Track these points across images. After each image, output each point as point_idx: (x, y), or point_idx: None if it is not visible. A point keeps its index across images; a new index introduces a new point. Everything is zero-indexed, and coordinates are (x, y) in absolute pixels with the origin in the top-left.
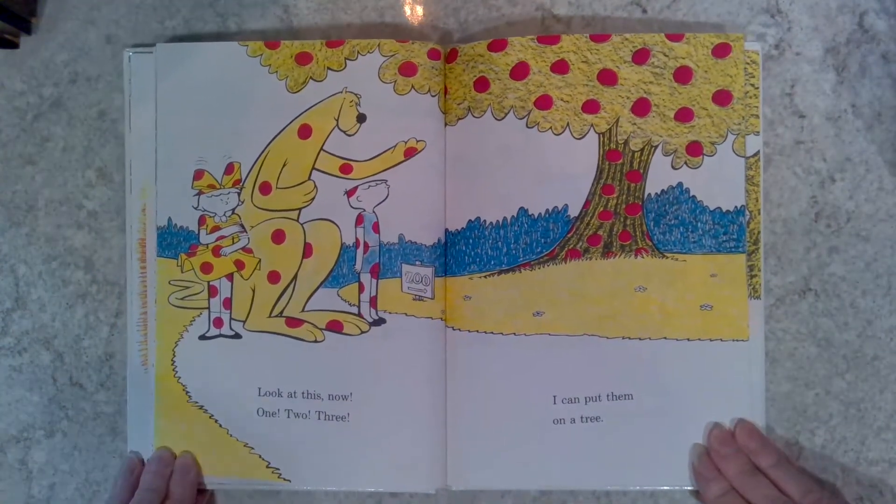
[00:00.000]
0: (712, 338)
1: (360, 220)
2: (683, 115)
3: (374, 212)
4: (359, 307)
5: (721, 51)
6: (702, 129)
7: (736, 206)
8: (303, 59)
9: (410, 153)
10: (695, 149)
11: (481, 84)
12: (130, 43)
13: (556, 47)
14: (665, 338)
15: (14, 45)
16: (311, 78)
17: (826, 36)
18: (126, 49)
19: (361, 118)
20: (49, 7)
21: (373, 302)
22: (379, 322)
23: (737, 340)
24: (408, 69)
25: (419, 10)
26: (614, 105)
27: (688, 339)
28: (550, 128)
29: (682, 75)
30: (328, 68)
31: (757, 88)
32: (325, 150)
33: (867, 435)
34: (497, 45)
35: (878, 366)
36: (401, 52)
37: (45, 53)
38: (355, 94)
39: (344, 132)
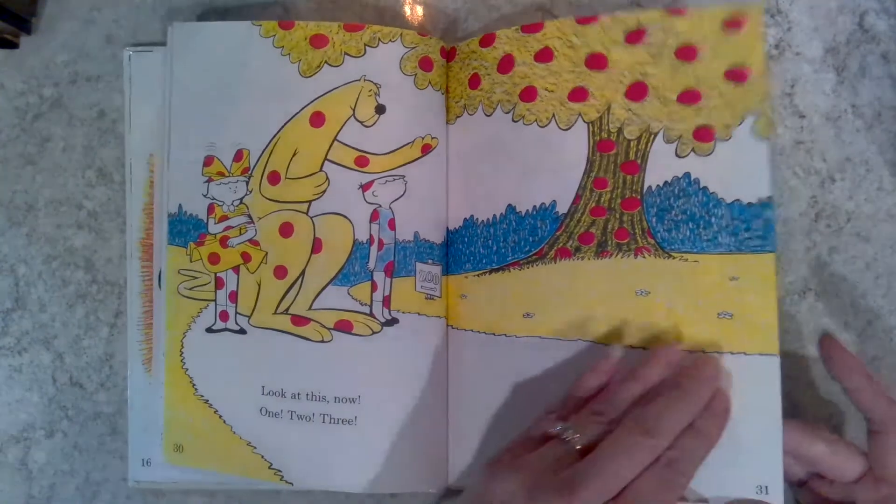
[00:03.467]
0: (734, 351)
1: (375, 216)
2: (688, 97)
3: (390, 208)
4: (371, 306)
5: (734, 24)
6: (712, 111)
7: (760, 198)
8: (318, 41)
9: (427, 149)
10: (704, 133)
11: (474, 81)
12: (131, 43)
13: (539, 35)
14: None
15: (14, 45)
16: (326, 62)
17: (826, 36)
18: (126, 48)
19: (381, 109)
20: (49, 7)
21: (386, 301)
22: (392, 322)
23: (764, 355)
24: (426, 64)
25: (419, 10)
26: (604, 91)
27: (702, 351)
28: (535, 120)
29: (686, 53)
30: (345, 53)
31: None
32: (339, 141)
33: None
34: (487, 40)
35: (878, 366)
36: (421, 45)
37: (45, 53)
38: (374, 84)
39: (361, 123)
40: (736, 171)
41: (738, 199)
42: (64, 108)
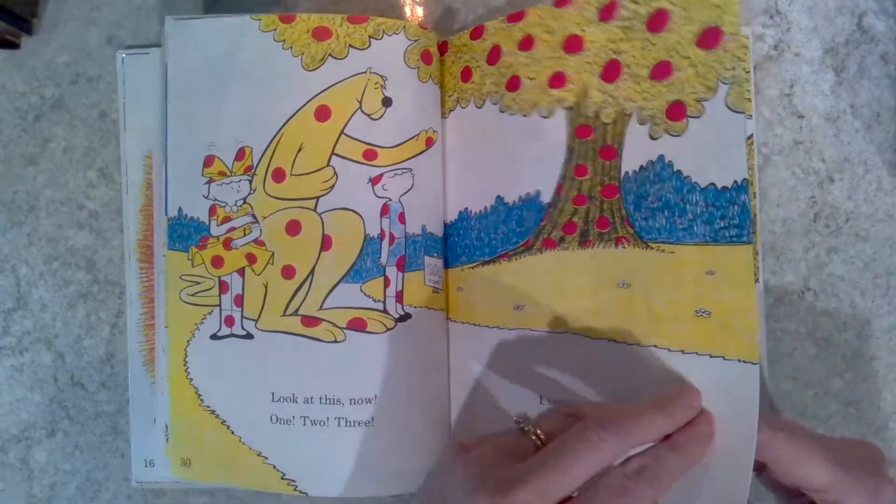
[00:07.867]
0: (713, 353)
1: (385, 209)
2: (660, 71)
3: (399, 201)
4: (384, 303)
5: None
6: (684, 84)
7: (735, 181)
8: (321, 34)
9: (430, 143)
10: (676, 111)
11: (466, 74)
12: (131, 44)
13: (521, 24)
14: (655, 346)
15: (15, 46)
16: (330, 55)
17: (825, 37)
18: (119, 51)
19: (387, 102)
20: (50, 8)
21: (398, 297)
22: (405, 317)
23: (744, 362)
24: (427, 57)
25: (419, 10)
26: (581, 74)
27: (682, 351)
28: (519, 109)
29: (657, 21)
30: (350, 46)
31: (748, 72)
32: (346, 134)
33: (866, 434)
34: (476, 33)
35: (876, 365)
36: (422, 38)
37: (46, 54)
38: (380, 76)
39: (368, 115)
40: (709, 150)
41: (712, 184)
42: (65, 108)
